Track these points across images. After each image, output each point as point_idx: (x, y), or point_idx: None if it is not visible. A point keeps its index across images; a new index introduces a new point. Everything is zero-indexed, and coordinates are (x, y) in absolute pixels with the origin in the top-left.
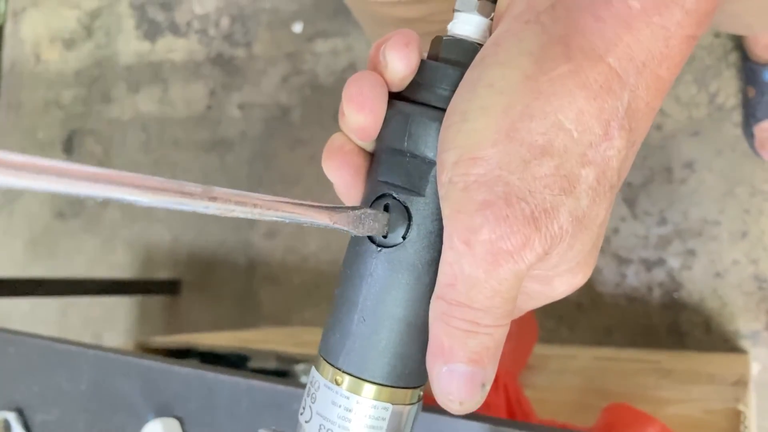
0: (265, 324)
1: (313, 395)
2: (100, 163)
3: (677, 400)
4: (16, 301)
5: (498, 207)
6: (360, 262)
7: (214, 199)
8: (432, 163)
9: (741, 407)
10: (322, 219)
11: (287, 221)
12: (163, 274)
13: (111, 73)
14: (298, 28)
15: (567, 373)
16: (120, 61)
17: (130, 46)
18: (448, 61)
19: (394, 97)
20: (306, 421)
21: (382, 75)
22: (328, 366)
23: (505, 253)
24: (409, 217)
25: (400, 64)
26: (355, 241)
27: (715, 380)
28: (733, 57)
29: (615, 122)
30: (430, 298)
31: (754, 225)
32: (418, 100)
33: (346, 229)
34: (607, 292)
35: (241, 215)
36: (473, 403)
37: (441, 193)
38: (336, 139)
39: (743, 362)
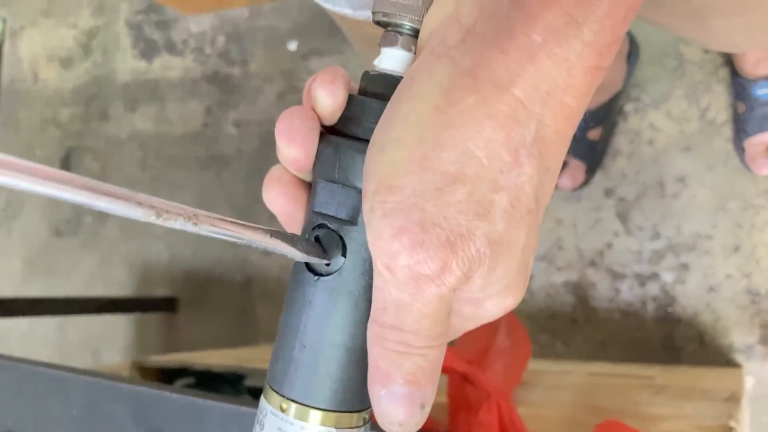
0: (263, 340)
1: (261, 422)
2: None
3: (670, 417)
4: (14, 321)
5: (414, 233)
6: (299, 290)
7: (154, 208)
8: (362, 193)
9: (733, 424)
10: (259, 238)
11: (225, 239)
12: (160, 291)
13: (108, 92)
14: (293, 46)
15: (560, 389)
16: (117, 79)
17: (126, 64)
18: (374, 95)
19: (328, 130)
20: None
21: (313, 110)
22: (274, 393)
23: (426, 278)
24: (344, 246)
25: (327, 100)
26: (294, 270)
27: (708, 396)
28: (723, 72)
29: (523, 150)
30: (367, 323)
31: (747, 239)
32: (348, 133)
33: (284, 250)
34: (601, 307)
35: (178, 227)
36: (413, 424)
37: (365, 220)
38: (275, 170)
39: (737, 377)
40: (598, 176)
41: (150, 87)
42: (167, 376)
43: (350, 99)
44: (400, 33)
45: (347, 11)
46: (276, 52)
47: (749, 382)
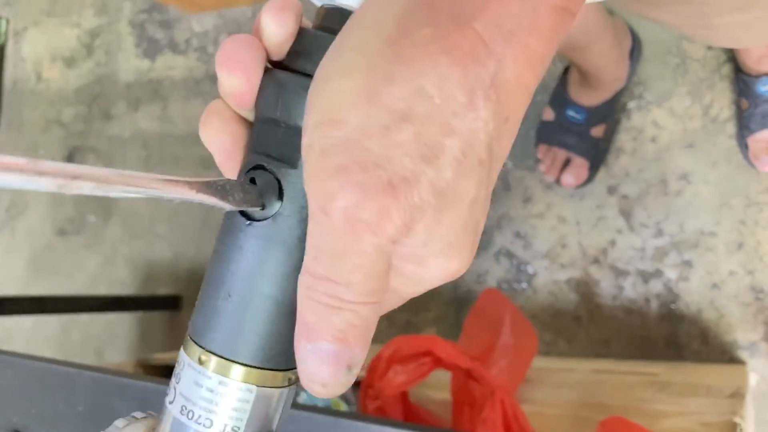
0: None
1: (178, 375)
2: None
3: (674, 414)
4: (18, 320)
5: (354, 172)
6: (230, 236)
7: (42, 173)
8: None
9: (737, 420)
10: (183, 192)
11: (146, 197)
12: (164, 290)
13: (111, 91)
14: None
15: (564, 386)
16: (120, 78)
17: (129, 63)
18: (327, 30)
19: (274, 65)
20: (170, 402)
21: (260, 40)
22: (194, 346)
23: (363, 224)
24: (281, 191)
25: (274, 28)
26: (227, 215)
27: (712, 393)
28: (727, 69)
29: (480, 91)
30: None
31: (750, 236)
32: (295, 68)
33: (211, 202)
34: (605, 305)
35: (88, 192)
36: (338, 386)
37: (303, 158)
38: (215, 104)
39: (740, 374)
40: (601, 174)
41: (153, 86)
42: (171, 374)
43: (301, 32)
44: None
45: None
46: None
47: (753, 379)
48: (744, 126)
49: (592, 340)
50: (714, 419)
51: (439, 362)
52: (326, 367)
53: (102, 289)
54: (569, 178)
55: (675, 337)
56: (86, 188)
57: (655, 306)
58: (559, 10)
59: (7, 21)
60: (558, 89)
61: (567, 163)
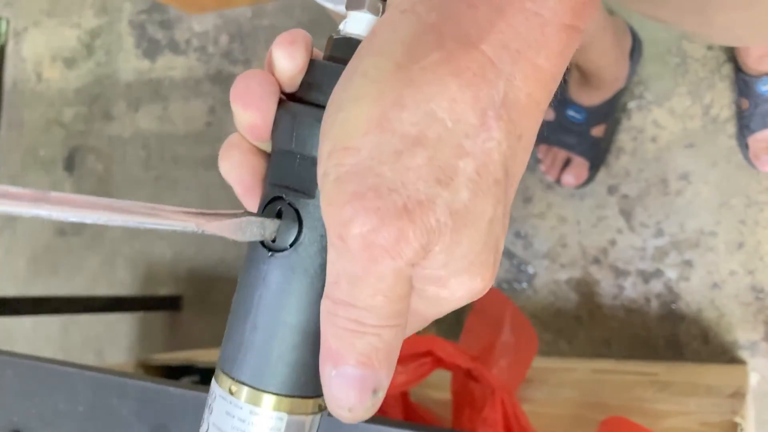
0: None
1: (210, 406)
2: (102, 181)
3: (674, 413)
4: (18, 321)
5: (368, 199)
6: (253, 268)
7: (48, 201)
8: None
9: (738, 419)
10: (189, 225)
11: (148, 227)
12: (164, 290)
13: (111, 91)
14: None
15: (565, 386)
16: (120, 79)
17: (130, 64)
18: (337, 60)
19: (288, 97)
20: None
21: (272, 74)
22: (224, 376)
23: (380, 248)
24: (300, 221)
25: (285, 63)
26: (250, 247)
27: (712, 392)
28: (727, 69)
29: (491, 111)
30: None
31: (751, 236)
32: (307, 99)
33: (222, 235)
34: (605, 304)
35: (89, 221)
36: (363, 410)
37: (319, 187)
38: (233, 138)
39: (741, 373)
40: (602, 174)
41: (153, 86)
42: (172, 374)
43: (312, 64)
44: None
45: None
46: None
47: (754, 379)
48: (744, 126)
49: (592, 339)
50: (714, 419)
51: (439, 362)
52: (352, 391)
53: (102, 290)
54: (569, 178)
55: (675, 336)
56: (113, 220)
57: (655, 306)
58: (567, 28)
59: (8, 21)
60: (558, 89)
61: (567, 162)
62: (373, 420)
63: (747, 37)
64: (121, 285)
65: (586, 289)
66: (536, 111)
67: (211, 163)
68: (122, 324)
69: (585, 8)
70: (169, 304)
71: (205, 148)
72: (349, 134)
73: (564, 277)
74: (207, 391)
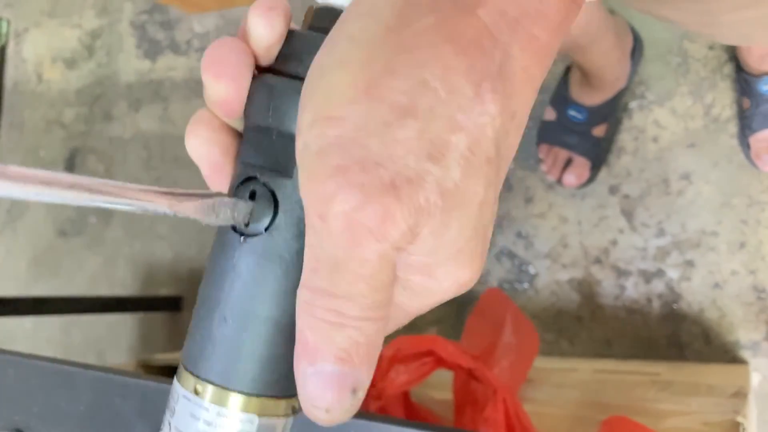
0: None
1: (173, 408)
2: None
3: (676, 413)
4: (19, 321)
5: (353, 173)
6: (223, 254)
7: (7, 176)
8: None
9: (740, 419)
10: (158, 206)
11: (112, 207)
12: (165, 290)
13: (112, 92)
14: None
15: (566, 386)
16: (121, 79)
17: (130, 64)
18: (318, 30)
19: (263, 71)
20: None
21: (248, 43)
22: (188, 374)
23: (364, 228)
24: (276, 203)
25: (263, 30)
26: (219, 232)
27: (714, 392)
28: (728, 69)
29: (487, 83)
30: None
31: (752, 235)
32: (285, 71)
33: (192, 218)
34: (607, 304)
35: (49, 199)
36: (342, 412)
37: (298, 162)
38: (201, 113)
39: (743, 373)
40: (603, 173)
41: (154, 87)
42: (172, 374)
43: (290, 34)
44: None
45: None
46: None
47: (756, 379)
48: (746, 125)
49: (593, 339)
50: (716, 418)
51: (440, 362)
52: (329, 390)
53: (103, 290)
54: (571, 178)
55: (677, 336)
56: (79, 199)
57: (657, 306)
58: None
59: (8, 22)
60: (559, 89)
61: (568, 162)
62: (376, 418)
63: (752, 36)
64: (122, 286)
65: (587, 289)
66: (531, 87)
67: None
68: (123, 325)
69: None
70: (170, 304)
71: None
72: (333, 102)
73: (565, 277)
74: None
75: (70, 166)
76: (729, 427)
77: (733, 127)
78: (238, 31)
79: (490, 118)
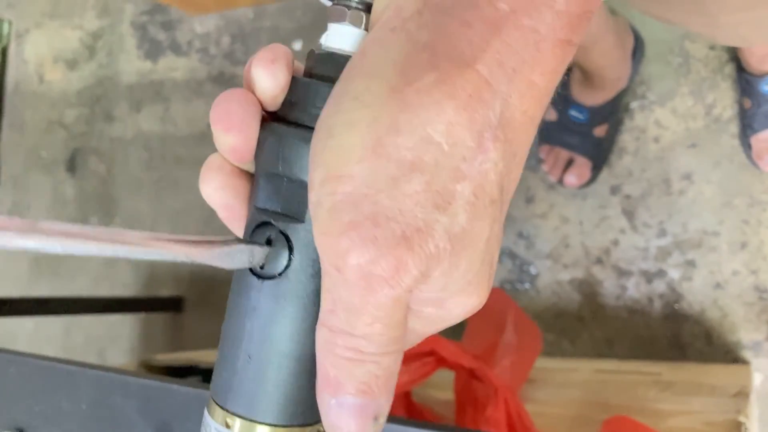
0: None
1: None
2: (104, 182)
3: (678, 413)
4: (20, 321)
5: (365, 228)
6: (243, 296)
7: (34, 231)
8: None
9: (742, 419)
10: (177, 255)
11: (132, 258)
12: (166, 291)
13: (113, 93)
14: (297, 46)
15: (568, 386)
16: (122, 80)
17: (132, 65)
18: (320, 77)
19: (270, 117)
20: None
21: (253, 93)
22: (217, 408)
23: (378, 278)
24: (290, 246)
25: (267, 82)
26: (236, 274)
27: (716, 392)
28: (729, 69)
29: (488, 133)
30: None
31: (754, 235)
32: (291, 119)
33: (210, 264)
34: (608, 305)
35: (75, 252)
36: None
37: (311, 215)
38: (213, 159)
39: (745, 373)
40: (604, 174)
41: (155, 88)
42: (174, 375)
43: (294, 81)
44: (348, 6)
45: None
46: None
47: (757, 379)
48: (747, 125)
49: (595, 340)
50: (718, 418)
51: (442, 362)
52: (353, 420)
53: (104, 291)
54: (572, 178)
55: (678, 336)
56: (104, 251)
57: (658, 306)
58: (562, 43)
59: (10, 23)
60: (560, 89)
61: (570, 163)
62: None
63: (752, 37)
64: (123, 286)
65: (588, 289)
66: (531, 127)
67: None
68: (124, 325)
69: (580, 22)
70: (171, 305)
71: (207, 149)
72: (342, 161)
73: (567, 277)
74: (208, 389)
75: (71, 166)
76: (731, 427)
77: (734, 127)
78: (243, 79)
79: (492, 164)
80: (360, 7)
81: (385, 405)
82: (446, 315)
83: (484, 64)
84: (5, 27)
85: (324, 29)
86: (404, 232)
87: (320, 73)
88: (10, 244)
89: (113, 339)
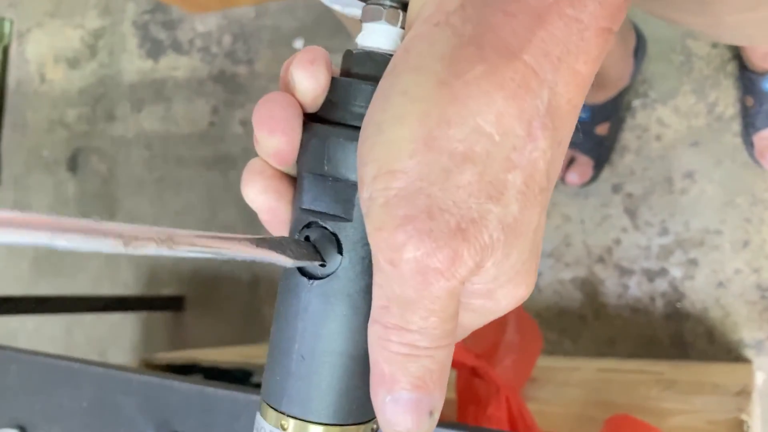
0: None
1: None
2: (105, 181)
3: (680, 411)
4: (21, 320)
5: (420, 221)
6: (293, 297)
7: (122, 236)
8: (356, 185)
9: (744, 417)
10: (244, 252)
11: (206, 257)
12: (167, 290)
13: (115, 92)
14: (299, 44)
15: (570, 385)
16: (123, 79)
17: (133, 64)
18: (360, 76)
19: (310, 118)
20: None
21: (293, 95)
22: (271, 410)
23: (434, 271)
24: (339, 245)
25: (307, 83)
26: (285, 275)
27: (718, 390)
28: (731, 67)
29: (537, 121)
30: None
31: (756, 234)
32: (334, 120)
33: (272, 261)
34: (610, 303)
35: (152, 252)
36: None
37: (363, 211)
38: (255, 163)
39: (747, 372)
40: (606, 172)
41: (156, 87)
42: (175, 373)
43: (334, 82)
44: (383, 6)
45: (355, 11)
46: (282, 51)
47: (760, 377)
48: (749, 123)
49: (597, 339)
50: (720, 417)
51: None
52: (408, 415)
53: (105, 290)
54: (574, 177)
55: (680, 335)
56: (149, 250)
57: (660, 305)
58: (604, 31)
59: (11, 22)
60: None
61: (571, 161)
62: None
63: (756, 36)
64: (125, 285)
65: (590, 288)
66: (574, 115)
67: (214, 162)
68: (125, 324)
69: (620, 11)
70: (173, 304)
71: (209, 148)
72: (394, 156)
73: (568, 276)
74: (209, 386)
75: (73, 166)
76: (733, 426)
77: (736, 126)
78: (279, 81)
79: (541, 153)
80: (396, 5)
81: (439, 399)
82: (494, 306)
83: (530, 54)
84: (7, 26)
85: (325, 28)
86: (459, 224)
87: (359, 72)
88: (78, 246)
89: (115, 338)
